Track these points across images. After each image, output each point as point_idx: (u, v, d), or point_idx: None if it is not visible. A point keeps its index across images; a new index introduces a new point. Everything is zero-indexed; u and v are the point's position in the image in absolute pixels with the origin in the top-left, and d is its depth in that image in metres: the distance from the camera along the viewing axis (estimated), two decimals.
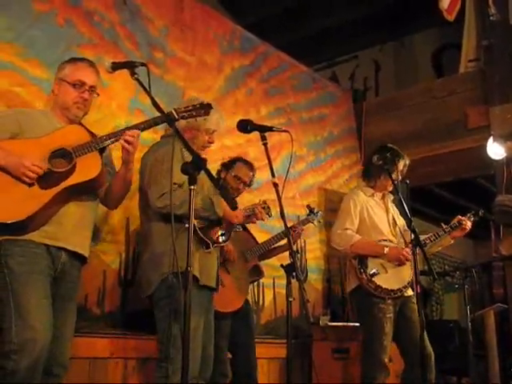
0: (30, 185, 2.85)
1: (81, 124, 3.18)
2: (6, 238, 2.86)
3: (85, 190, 3.02)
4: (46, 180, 2.87)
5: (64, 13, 4.12)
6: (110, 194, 3.21)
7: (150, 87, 2.84)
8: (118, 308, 4.08)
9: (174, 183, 3.27)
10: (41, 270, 2.87)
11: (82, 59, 3.23)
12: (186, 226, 2.65)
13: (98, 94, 3.20)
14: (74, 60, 3.20)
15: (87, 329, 3.75)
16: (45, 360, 2.80)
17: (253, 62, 5.81)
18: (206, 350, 3.43)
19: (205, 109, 3.15)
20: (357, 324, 4.74)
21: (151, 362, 3.87)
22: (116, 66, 2.95)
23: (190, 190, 2.60)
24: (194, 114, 3.13)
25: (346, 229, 4.27)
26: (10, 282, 2.82)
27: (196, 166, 2.62)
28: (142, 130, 3.08)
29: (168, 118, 2.93)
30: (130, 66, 2.92)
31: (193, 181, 2.60)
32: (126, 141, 2.98)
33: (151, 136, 3.94)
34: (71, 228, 2.98)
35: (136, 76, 2.88)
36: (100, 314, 3.96)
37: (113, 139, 3.03)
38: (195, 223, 3.30)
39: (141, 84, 2.87)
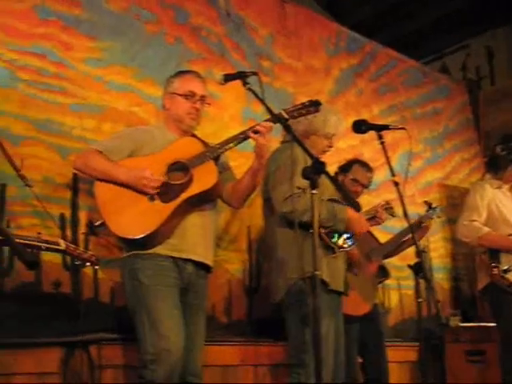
0: (152, 200, 2.94)
1: (193, 135, 3.24)
2: (135, 253, 2.96)
3: (204, 200, 3.06)
4: (165, 194, 2.94)
5: (173, 31, 4.24)
6: (236, 191, 3.20)
7: (263, 95, 2.86)
8: (245, 316, 4.13)
9: (298, 187, 3.25)
10: (169, 282, 2.94)
11: (189, 71, 3.30)
12: (311, 231, 2.63)
13: (209, 104, 3.26)
14: (181, 73, 3.27)
15: (216, 337, 3.81)
16: (180, 369, 2.86)
17: (361, 62, 5.72)
18: (338, 355, 3.38)
19: (314, 105, 3.12)
20: (492, 324, 4.51)
21: (282, 368, 3.89)
22: (228, 78, 3.00)
23: (312, 194, 2.58)
24: (304, 112, 3.11)
25: (473, 220, 4.09)
26: (141, 295, 2.91)
27: (316, 170, 2.59)
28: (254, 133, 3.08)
29: (279, 119, 2.93)
30: (242, 76, 2.96)
31: (314, 185, 2.57)
32: (255, 131, 2.97)
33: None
34: (195, 239, 3.03)
35: (248, 86, 2.91)
36: (228, 322, 4.03)
37: (226, 147, 3.07)
38: (320, 229, 3.26)
39: (254, 93, 2.89)
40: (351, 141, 5.04)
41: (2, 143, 2.69)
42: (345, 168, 4.28)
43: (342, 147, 4.97)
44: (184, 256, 3.00)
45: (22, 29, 3.46)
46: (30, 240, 2.55)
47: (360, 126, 3.06)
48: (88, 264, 2.82)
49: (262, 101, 2.87)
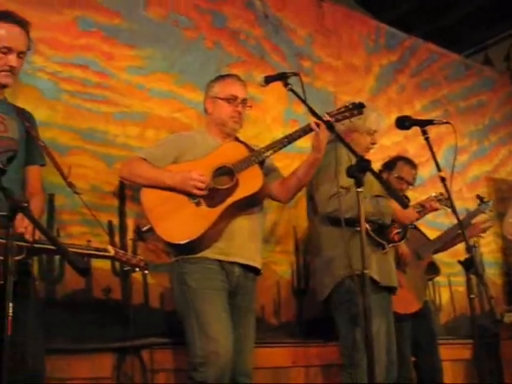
0: (198, 205, 2.96)
1: (237, 138, 3.26)
2: (183, 258, 2.99)
3: (250, 204, 3.07)
4: (211, 198, 2.97)
5: (211, 36, 4.26)
6: (287, 185, 3.19)
7: (304, 95, 2.85)
8: (295, 317, 4.12)
9: (342, 187, 3.24)
10: (217, 286, 2.95)
11: (229, 75, 3.32)
12: (357, 229, 2.60)
13: (251, 107, 3.27)
14: (221, 77, 3.29)
15: (267, 339, 3.80)
16: (230, 370, 2.86)
17: (401, 58, 5.65)
18: (390, 354, 3.34)
19: (357, 108, 3.11)
20: None
21: (333, 368, 3.86)
22: (269, 80, 3.00)
23: (358, 192, 2.55)
24: (348, 114, 3.11)
25: None
26: (189, 299, 2.93)
27: (361, 168, 2.56)
28: (298, 137, 3.10)
29: (322, 120, 2.91)
30: (283, 77, 2.95)
31: (360, 183, 2.55)
32: (310, 128, 2.99)
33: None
34: (242, 242, 3.04)
35: (289, 86, 2.90)
36: (277, 324, 4.02)
37: (271, 151, 3.07)
38: (367, 226, 3.26)
39: (295, 93, 2.89)
40: (395, 137, 5.00)
41: (51, 152, 2.73)
42: (389, 165, 4.24)
43: (385, 144, 4.92)
44: (230, 259, 3.00)
45: (65, 41, 3.53)
46: (80, 248, 2.59)
47: (403, 122, 3.02)
48: (137, 269, 2.84)
49: (303, 101, 2.86)
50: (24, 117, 2.73)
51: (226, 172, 3.03)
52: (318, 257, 3.48)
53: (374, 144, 3.62)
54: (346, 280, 3.27)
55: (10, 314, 1.87)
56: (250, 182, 3.00)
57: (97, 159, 3.46)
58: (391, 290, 3.44)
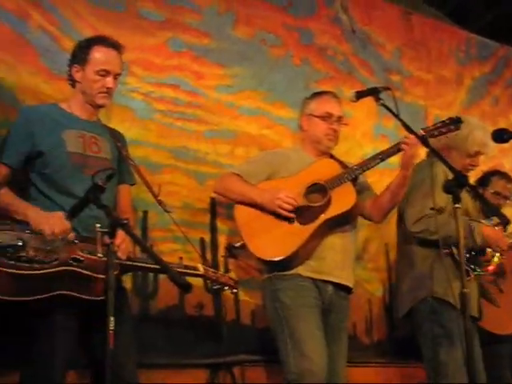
0: (291, 222, 2.96)
1: (331, 155, 3.23)
2: (276, 274, 2.98)
3: (342, 222, 3.04)
4: (304, 216, 2.96)
5: (299, 53, 4.27)
6: (379, 205, 3.16)
7: (397, 110, 2.79)
8: (387, 336, 4.05)
9: (432, 208, 3.15)
10: (310, 303, 2.93)
11: (326, 92, 3.30)
12: (444, 251, 2.51)
13: (346, 124, 3.25)
14: (318, 94, 3.28)
15: (358, 358, 3.73)
16: None
17: (494, 68, 5.47)
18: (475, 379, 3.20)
19: (454, 124, 3.00)
20: None
21: None
22: (360, 95, 2.94)
23: (455, 208, 2.46)
24: (444, 130, 3.00)
25: None
26: (283, 316, 2.92)
27: (459, 183, 2.48)
28: (392, 155, 3.04)
29: (421, 138, 2.83)
30: (374, 92, 2.89)
31: (457, 199, 2.45)
32: (404, 142, 2.93)
33: None
34: (334, 260, 3.01)
35: (382, 101, 2.84)
36: (369, 342, 3.96)
37: (364, 167, 3.05)
38: (453, 249, 3.14)
39: (388, 108, 2.83)
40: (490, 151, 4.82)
41: (141, 171, 2.79)
42: (483, 181, 4.08)
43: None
44: (324, 278, 2.98)
45: (157, 62, 3.62)
46: (175, 267, 2.61)
47: (501, 135, 2.92)
48: (226, 288, 2.84)
49: (396, 116, 2.80)
50: (116, 137, 2.81)
51: (318, 189, 3.02)
52: (407, 274, 3.41)
53: (474, 166, 3.44)
54: (429, 300, 3.20)
55: (112, 328, 1.90)
56: (342, 200, 2.98)
57: (189, 177, 3.52)
58: (473, 319, 3.26)
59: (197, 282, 3.27)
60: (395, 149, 3.01)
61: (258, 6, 4.13)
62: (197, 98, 3.71)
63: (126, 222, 1.98)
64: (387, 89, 2.91)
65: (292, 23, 4.28)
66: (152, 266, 2.45)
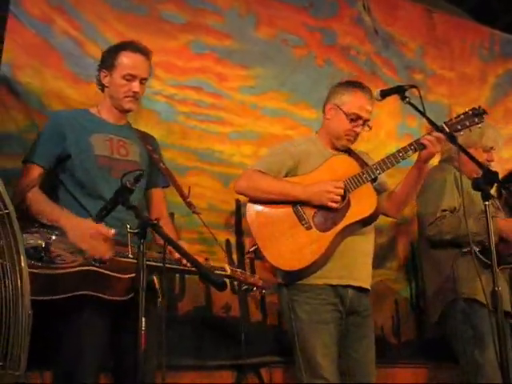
0: (309, 228, 2.84)
1: (349, 150, 3.11)
2: (292, 283, 2.88)
3: (363, 225, 2.93)
4: (322, 220, 2.85)
5: (322, 53, 4.26)
6: (394, 199, 3.04)
7: (423, 108, 2.72)
8: (415, 336, 4.01)
9: (444, 210, 3.16)
10: (326, 319, 2.84)
11: (362, 86, 3.07)
12: (464, 250, 2.47)
13: (370, 128, 3.06)
14: (353, 86, 3.08)
15: (386, 359, 3.69)
16: None
17: None
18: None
19: (478, 115, 2.93)
20: None
21: None
22: (385, 94, 2.84)
23: (485, 205, 2.39)
24: (468, 123, 2.91)
25: None
26: (298, 330, 2.84)
27: (489, 180, 2.44)
28: (413, 152, 2.93)
29: (442, 131, 2.80)
30: (400, 90, 2.79)
31: (487, 196, 2.40)
32: (427, 139, 2.84)
33: None
34: (353, 264, 2.92)
35: (408, 99, 2.74)
36: (397, 343, 3.92)
37: (384, 167, 2.91)
38: (474, 247, 3.10)
39: (414, 106, 2.74)
40: None
41: (172, 173, 2.81)
42: (508, 179, 4.03)
43: (505, 156, 4.70)
44: (343, 283, 2.88)
45: (179, 64, 3.63)
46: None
47: None
48: (254, 288, 2.79)
49: (423, 114, 2.71)
50: (147, 140, 2.82)
51: None
52: (432, 277, 3.42)
53: (490, 161, 3.44)
54: (459, 302, 3.18)
55: (143, 329, 1.90)
56: (363, 203, 2.86)
57: (214, 179, 3.52)
58: (505, 314, 3.21)
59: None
60: (417, 145, 2.90)
61: (278, 7, 4.13)
62: (220, 99, 3.72)
63: (155, 222, 1.99)
64: (413, 87, 2.82)
65: (314, 24, 4.28)
66: (186, 267, 2.46)
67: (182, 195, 2.75)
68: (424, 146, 2.86)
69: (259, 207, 2.92)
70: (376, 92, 2.89)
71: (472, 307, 3.16)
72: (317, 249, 2.80)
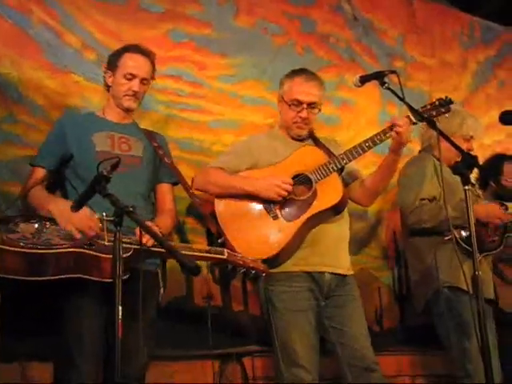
0: (275, 218, 2.85)
1: (314, 138, 3.11)
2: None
3: (330, 214, 2.92)
4: (289, 210, 2.86)
5: (301, 41, 4.24)
6: (367, 188, 3.04)
7: (402, 93, 2.71)
8: (398, 324, 4.03)
9: (423, 198, 3.19)
10: (303, 306, 2.85)
11: (300, 71, 3.06)
12: (446, 238, 2.47)
13: (319, 110, 3.03)
14: (292, 74, 3.06)
15: None
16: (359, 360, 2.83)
17: (499, 52, 5.40)
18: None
19: (444, 105, 2.89)
20: None
21: (442, 379, 3.72)
22: (364, 79, 2.83)
23: (465, 190, 2.41)
24: (434, 113, 2.88)
25: None
26: (274, 321, 2.84)
27: (468, 164, 2.45)
28: (380, 141, 2.91)
29: (427, 120, 2.78)
30: (379, 76, 2.79)
31: (467, 181, 2.41)
32: (395, 130, 2.80)
33: None
34: (327, 250, 2.92)
35: (387, 85, 2.73)
36: (379, 331, 3.94)
37: (350, 157, 2.89)
38: (455, 234, 3.11)
39: (393, 92, 2.72)
40: (496, 136, 4.80)
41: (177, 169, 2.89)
42: (494, 168, 4.04)
43: (486, 143, 4.73)
44: (317, 270, 2.88)
45: (159, 53, 3.52)
46: (197, 251, 2.58)
47: (509, 117, 2.87)
48: (253, 272, 2.68)
49: (402, 99, 2.69)
50: (153, 138, 2.88)
51: (303, 180, 2.89)
52: (415, 266, 3.43)
53: (470, 150, 3.40)
54: (444, 290, 3.18)
55: (120, 318, 1.89)
56: (329, 193, 2.86)
57: (194, 168, 3.48)
58: (489, 301, 3.21)
59: (205, 272, 3.30)
60: (382, 134, 2.88)
61: None
62: (199, 88, 3.70)
63: (130, 209, 1.97)
64: (392, 72, 2.82)
65: (293, 12, 4.26)
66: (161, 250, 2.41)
67: (185, 187, 2.85)
68: (391, 130, 2.84)
69: (228, 201, 2.92)
70: (355, 78, 2.88)
71: (456, 295, 3.17)
72: (283, 237, 2.81)
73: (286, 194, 2.83)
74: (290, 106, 2.98)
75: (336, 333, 2.89)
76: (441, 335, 3.30)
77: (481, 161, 4.06)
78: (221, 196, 2.93)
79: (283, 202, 2.86)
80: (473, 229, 2.42)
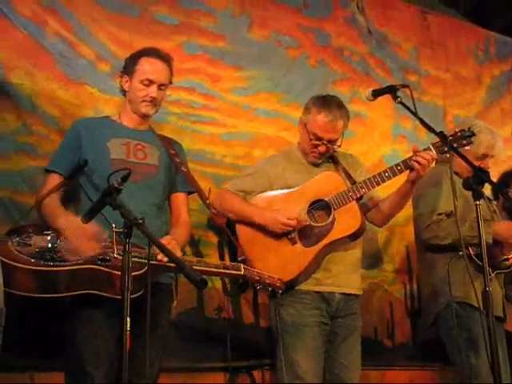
0: (294, 243, 2.92)
1: (333, 159, 3.15)
2: None
3: (347, 241, 2.99)
4: (307, 236, 2.93)
5: (315, 54, 4.24)
6: (382, 211, 3.11)
7: (415, 108, 2.71)
8: (409, 339, 3.99)
9: (440, 213, 3.17)
10: (310, 323, 2.90)
11: (328, 104, 3.05)
12: (460, 253, 2.50)
13: (339, 146, 3.09)
14: (319, 105, 3.06)
15: (381, 361, 3.68)
16: None
17: None
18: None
19: (466, 137, 2.90)
20: None
21: None
22: (377, 93, 2.86)
23: (476, 205, 2.42)
24: (456, 145, 2.85)
25: None
26: (281, 334, 2.91)
27: (479, 179, 2.43)
28: (399, 172, 2.94)
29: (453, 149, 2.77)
30: (392, 90, 2.80)
31: (479, 195, 2.41)
32: (417, 161, 2.84)
33: None
34: (340, 271, 2.99)
35: (399, 99, 2.75)
36: (391, 345, 3.91)
37: (370, 186, 2.95)
38: (470, 250, 3.12)
39: (405, 106, 2.74)
40: (509, 151, 4.75)
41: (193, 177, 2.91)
42: (503, 182, 4.00)
43: (501, 158, 4.68)
44: (329, 290, 2.96)
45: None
46: (213, 267, 2.62)
47: None
48: (270, 289, 2.76)
49: (415, 114, 2.71)
50: (170, 145, 2.86)
51: (322, 206, 2.96)
52: (427, 281, 3.42)
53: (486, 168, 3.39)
54: (454, 305, 3.16)
55: (128, 329, 1.89)
56: (347, 221, 2.93)
57: (206, 180, 3.48)
58: (497, 319, 3.18)
59: (216, 284, 3.29)
60: (404, 167, 2.92)
61: (272, 8, 4.11)
62: (213, 100, 3.70)
63: (140, 221, 1.97)
64: (405, 86, 2.83)
65: (307, 24, 4.26)
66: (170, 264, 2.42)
67: (201, 197, 2.87)
68: (412, 168, 2.88)
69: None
70: (368, 91, 2.90)
71: (466, 310, 3.14)
72: (301, 263, 2.89)
73: (290, 229, 2.89)
74: (309, 136, 3.03)
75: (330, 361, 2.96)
76: (449, 350, 3.28)
77: (495, 176, 4.08)
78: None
79: (302, 228, 2.91)
80: (484, 243, 2.41)
